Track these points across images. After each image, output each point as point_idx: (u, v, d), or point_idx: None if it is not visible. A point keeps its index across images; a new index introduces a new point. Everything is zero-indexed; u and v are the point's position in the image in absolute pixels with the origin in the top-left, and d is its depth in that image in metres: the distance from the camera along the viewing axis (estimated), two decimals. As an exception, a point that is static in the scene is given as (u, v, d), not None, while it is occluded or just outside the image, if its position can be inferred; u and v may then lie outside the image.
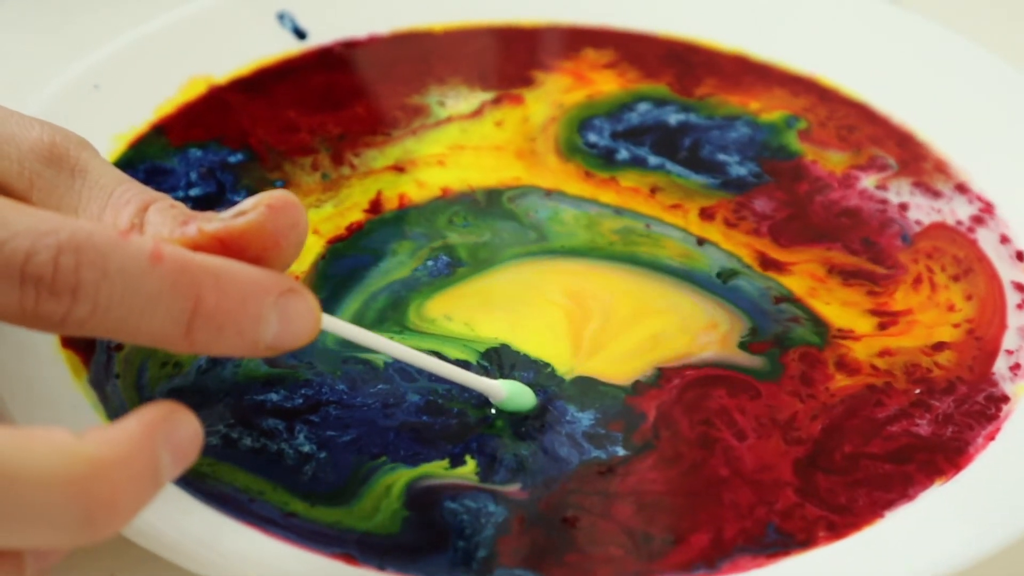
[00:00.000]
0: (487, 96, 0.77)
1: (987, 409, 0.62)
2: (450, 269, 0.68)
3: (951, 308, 0.67)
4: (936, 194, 0.72)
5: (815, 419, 0.61)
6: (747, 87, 0.77)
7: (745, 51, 0.79)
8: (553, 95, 0.78)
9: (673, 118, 0.76)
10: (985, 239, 0.70)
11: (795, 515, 0.57)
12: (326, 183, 0.72)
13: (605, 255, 0.69)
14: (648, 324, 0.65)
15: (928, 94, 0.76)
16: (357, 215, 0.70)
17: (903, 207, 0.72)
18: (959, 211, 0.71)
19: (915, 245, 0.70)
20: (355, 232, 0.69)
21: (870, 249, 0.69)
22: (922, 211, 0.71)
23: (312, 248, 0.68)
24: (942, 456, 0.60)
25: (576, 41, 0.80)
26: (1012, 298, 0.67)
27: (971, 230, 0.70)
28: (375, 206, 0.71)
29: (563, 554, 0.56)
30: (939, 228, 0.71)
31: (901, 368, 0.63)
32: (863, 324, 0.66)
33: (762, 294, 0.67)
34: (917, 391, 0.62)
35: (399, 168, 0.73)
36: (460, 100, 0.77)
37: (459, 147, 0.74)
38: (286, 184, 0.71)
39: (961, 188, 0.72)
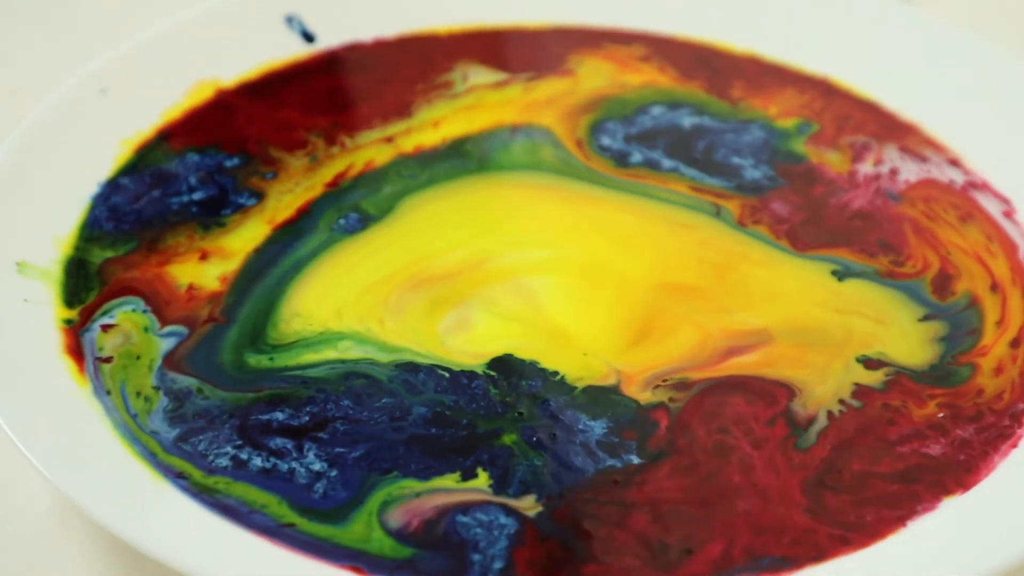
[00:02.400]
0: (517, 75, 0.77)
1: (1008, 429, 0.61)
2: (362, 224, 0.69)
3: (990, 252, 0.68)
4: (923, 159, 0.73)
5: (825, 437, 0.60)
6: (766, 89, 0.77)
7: (757, 52, 0.79)
8: (607, 74, 0.78)
9: (687, 121, 0.75)
10: (984, 203, 0.71)
11: (805, 541, 0.56)
12: (312, 164, 0.72)
13: (553, 170, 0.72)
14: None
15: (940, 91, 0.75)
16: (317, 191, 0.70)
17: (893, 172, 0.72)
18: (951, 175, 0.72)
19: (907, 196, 0.71)
20: (302, 213, 0.69)
21: (887, 251, 0.68)
22: (910, 173, 0.72)
23: (253, 240, 0.68)
24: (950, 477, 0.59)
25: (594, 38, 0.80)
26: None
27: (964, 189, 0.71)
28: (337, 179, 0.71)
29: (580, 565, 0.55)
30: (928, 183, 0.71)
31: (993, 392, 0.62)
32: (992, 326, 0.65)
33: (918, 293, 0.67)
34: (940, 415, 0.61)
35: (388, 139, 0.73)
36: (482, 75, 0.77)
37: (468, 108, 0.75)
38: (277, 175, 0.71)
39: (954, 162, 0.73)
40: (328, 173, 0.71)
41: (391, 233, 0.69)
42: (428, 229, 0.69)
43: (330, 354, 0.62)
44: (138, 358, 0.61)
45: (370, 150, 0.73)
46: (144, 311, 0.63)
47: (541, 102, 0.76)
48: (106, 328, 0.62)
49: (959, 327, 0.65)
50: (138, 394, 0.60)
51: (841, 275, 0.67)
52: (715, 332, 0.64)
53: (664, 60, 0.78)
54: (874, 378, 0.62)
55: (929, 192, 0.71)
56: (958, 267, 0.68)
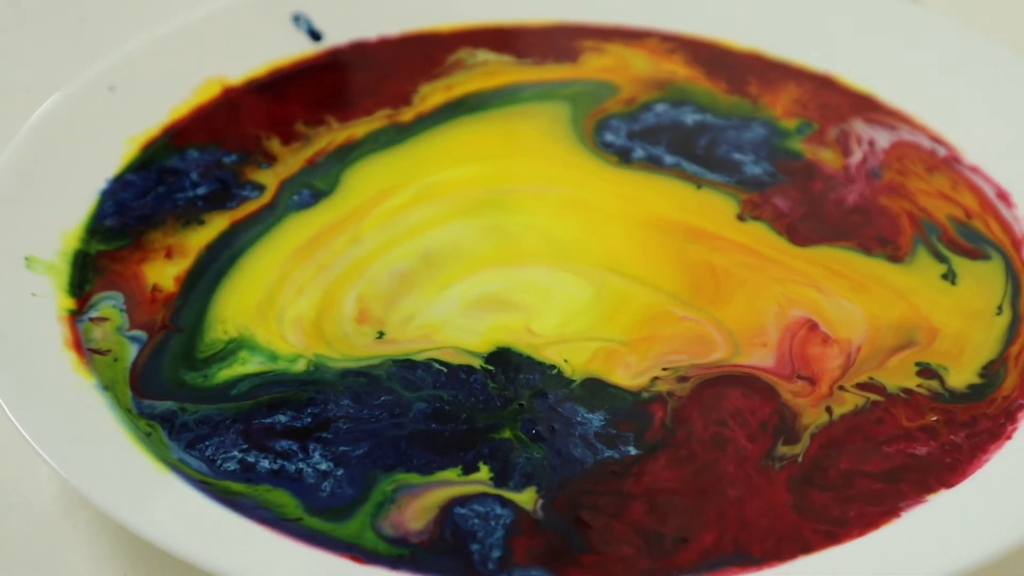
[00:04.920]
0: (543, 60, 0.78)
1: (1001, 428, 0.61)
2: (314, 199, 0.69)
3: (955, 191, 0.70)
4: (892, 127, 0.74)
5: (814, 437, 0.60)
6: (774, 86, 0.77)
7: (760, 49, 0.79)
8: (648, 62, 0.78)
9: (690, 118, 0.75)
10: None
11: (789, 537, 0.56)
12: (302, 147, 0.72)
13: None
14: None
15: (940, 88, 0.76)
16: (294, 169, 0.71)
17: (871, 143, 0.73)
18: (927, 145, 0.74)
19: (885, 165, 0.72)
20: (264, 208, 0.69)
21: (886, 246, 0.69)
22: (884, 140, 0.74)
23: (210, 234, 0.68)
24: (934, 476, 0.59)
25: (603, 33, 0.80)
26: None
27: (945, 161, 0.72)
28: (315, 156, 0.72)
29: (578, 554, 0.56)
30: (900, 144, 0.73)
31: (1003, 393, 0.62)
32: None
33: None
34: (934, 418, 0.61)
35: (388, 116, 0.74)
36: (498, 57, 0.78)
37: (488, 73, 0.76)
38: (272, 165, 0.71)
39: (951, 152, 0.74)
40: (310, 151, 0.72)
41: (330, 205, 0.69)
42: (361, 192, 0.70)
43: (239, 368, 0.62)
44: (116, 360, 0.62)
45: (360, 127, 0.73)
46: (122, 309, 0.64)
47: (600, 68, 0.77)
48: (94, 320, 0.63)
49: (1016, 292, 0.66)
50: (128, 411, 0.60)
51: (951, 278, 0.67)
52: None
53: (688, 55, 0.79)
54: (898, 382, 0.62)
55: (902, 151, 0.73)
56: (931, 212, 0.70)
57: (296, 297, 0.65)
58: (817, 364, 0.63)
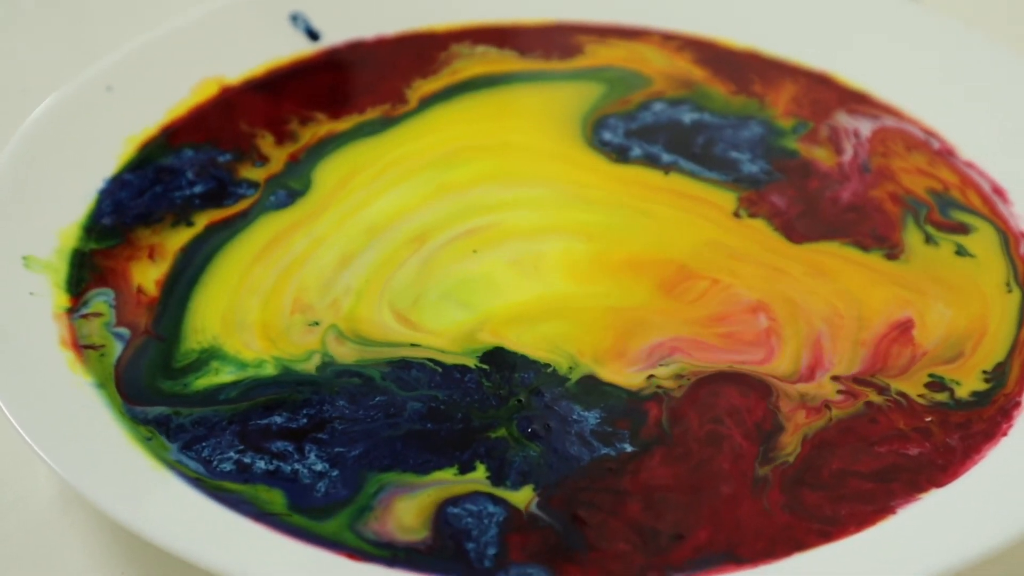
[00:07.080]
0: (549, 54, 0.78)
1: (995, 428, 0.60)
2: (291, 199, 0.69)
3: (932, 166, 0.71)
4: (874, 117, 0.75)
5: (806, 439, 0.60)
6: (775, 84, 0.77)
7: (756, 47, 0.79)
8: (662, 56, 0.78)
9: (687, 117, 0.76)
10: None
11: (781, 537, 0.56)
12: (289, 144, 0.72)
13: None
14: None
15: (937, 87, 0.76)
16: (279, 167, 0.71)
17: (856, 133, 0.74)
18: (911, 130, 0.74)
19: (872, 152, 0.73)
20: (237, 217, 0.69)
21: (882, 243, 0.69)
22: (866, 128, 0.74)
23: (181, 240, 0.67)
24: (925, 476, 0.59)
25: (601, 32, 0.80)
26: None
27: (937, 152, 0.73)
28: (297, 152, 0.72)
29: (574, 551, 0.56)
30: (881, 131, 0.74)
31: (1004, 391, 0.62)
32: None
33: None
34: (928, 419, 0.61)
35: (387, 114, 0.74)
36: (496, 50, 0.78)
37: (493, 61, 0.75)
38: (264, 163, 0.71)
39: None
40: (294, 147, 0.72)
41: (302, 203, 0.69)
42: (329, 184, 0.70)
43: (213, 379, 0.62)
44: (103, 356, 0.62)
45: (347, 122, 0.74)
46: (112, 306, 0.64)
47: (620, 58, 0.77)
48: (86, 316, 0.63)
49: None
50: (122, 416, 0.59)
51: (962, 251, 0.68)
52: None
53: (695, 54, 0.79)
54: (902, 387, 0.62)
55: (884, 135, 0.73)
56: (914, 191, 0.70)
57: (252, 301, 0.65)
58: (891, 362, 0.63)
